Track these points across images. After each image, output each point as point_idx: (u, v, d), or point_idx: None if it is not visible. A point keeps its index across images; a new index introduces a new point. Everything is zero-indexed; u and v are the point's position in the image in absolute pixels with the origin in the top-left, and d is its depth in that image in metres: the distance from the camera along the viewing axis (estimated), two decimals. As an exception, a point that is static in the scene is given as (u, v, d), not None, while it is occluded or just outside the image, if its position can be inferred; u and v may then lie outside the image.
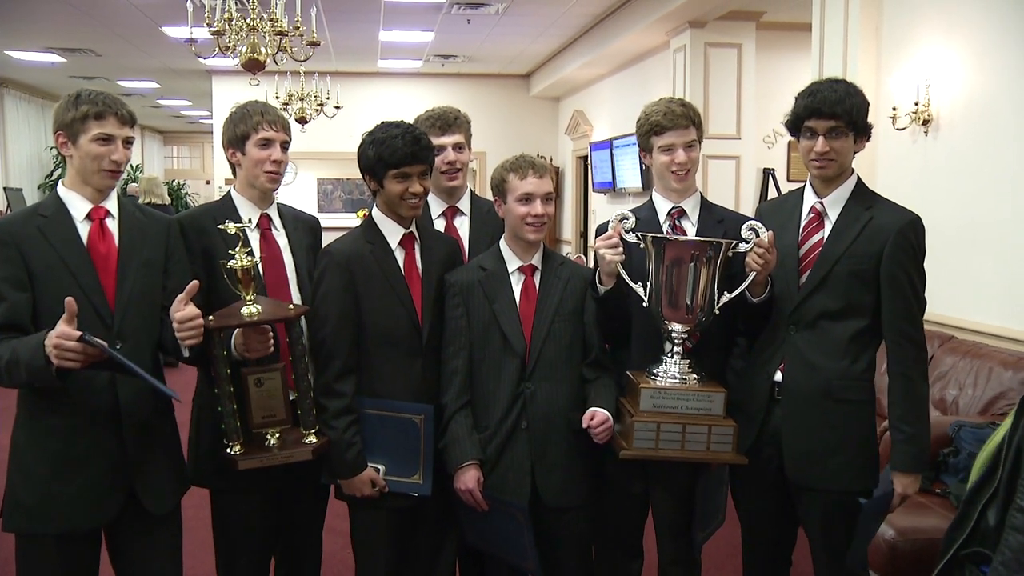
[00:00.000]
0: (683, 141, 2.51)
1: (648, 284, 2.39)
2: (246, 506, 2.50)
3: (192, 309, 2.15)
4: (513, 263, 2.50)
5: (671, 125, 2.50)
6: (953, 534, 1.39)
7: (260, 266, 2.42)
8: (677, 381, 2.36)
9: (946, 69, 4.38)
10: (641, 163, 8.46)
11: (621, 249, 2.39)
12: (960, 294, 4.28)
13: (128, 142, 2.27)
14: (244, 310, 2.27)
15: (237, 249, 2.27)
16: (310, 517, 2.65)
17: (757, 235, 2.32)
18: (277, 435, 2.36)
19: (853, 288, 2.34)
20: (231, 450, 2.32)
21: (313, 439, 2.35)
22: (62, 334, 1.99)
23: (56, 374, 2.02)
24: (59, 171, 12.50)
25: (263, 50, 5.58)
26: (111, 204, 2.28)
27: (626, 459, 2.32)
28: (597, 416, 2.38)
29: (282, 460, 2.32)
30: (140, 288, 2.25)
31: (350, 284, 2.40)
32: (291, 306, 2.35)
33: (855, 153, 2.41)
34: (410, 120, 2.61)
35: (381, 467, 2.42)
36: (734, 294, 2.38)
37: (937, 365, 4.08)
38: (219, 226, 2.36)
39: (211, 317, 2.23)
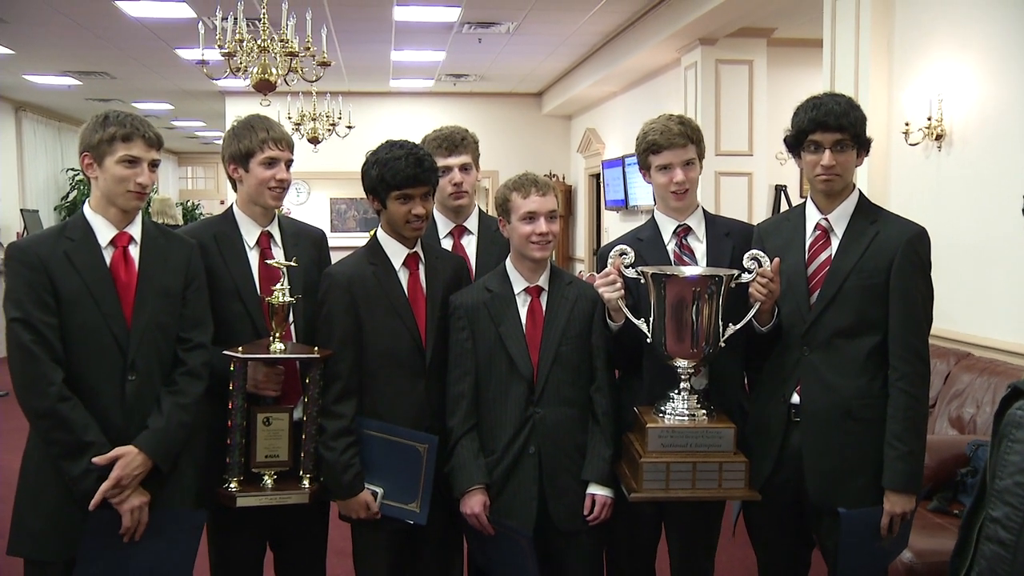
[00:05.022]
0: (681, 160, 2.47)
1: (650, 319, 2.34)
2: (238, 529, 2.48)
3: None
4: (519, 284, 2.46)
5: (668, 144, 2.46)
6: (956, 561, 1.36)
7: (291, 308, 2.42)
8: (685, 419, 2.30)
9: (959, 84, 4.34)
10: (653, 181, 8.46)
11: (619, 285, 2.35)
12: (976, 311, 4.23)
13: (154, 165, 2.27)
14: (272, 346, 2.34)
15: (278, 286, 2.35)
16: (309, 538, 2.62)
17: (760, 264, 2.29)
18: (274, 475, 2.38)
19: (865, 304, 2.30)
20: (229, 486, 2.32)
21: (308, 483, 2.36)
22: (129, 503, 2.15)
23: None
24: (75, 193, 12.57)
25: (274, 71, 5.61)
26: (135, 229, 2.28)
27: (636, 501, 2.28)
28: (597, 501, 2.39)
29: (280, 500, 2.34)
30: (156, 320, 2.25)
31: (351, 306, 2.38)
32: (316, 349, 2.36)
33: (855, 168, 2.39)
34: (418, 139, 2.60)
35: (380, 490, 2.40)
36: (739, 326, 2.33)
37: (953, 383, 4.02)
38: (267, 261, 2.44)
39: (240, 348, 2.30)
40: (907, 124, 4.59)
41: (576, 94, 10.50)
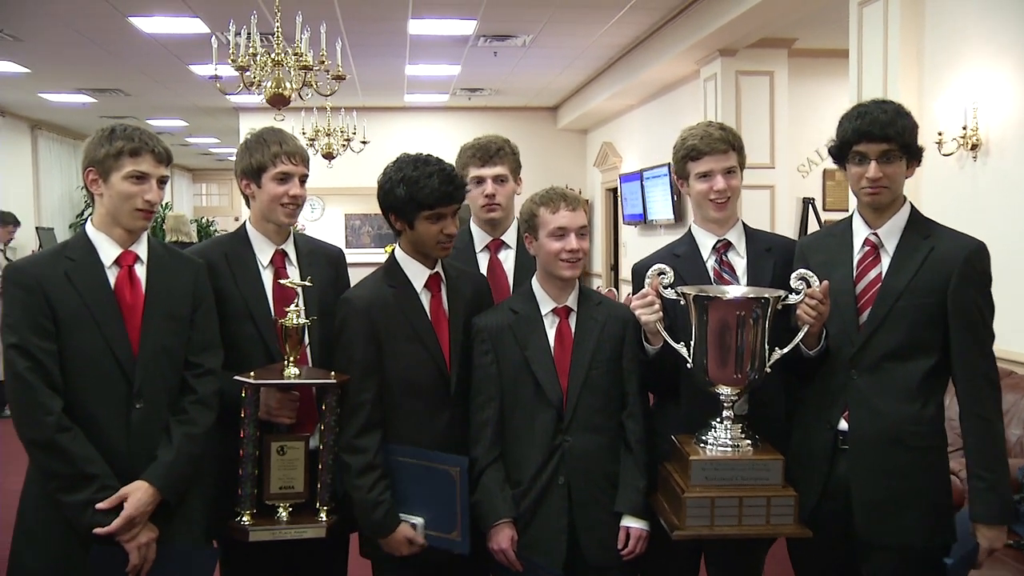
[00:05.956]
0: (722, 167, 2.34)
1: (691, 343, 2.19)
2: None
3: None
4: (546, 305, 2.33)
5: (708, 150, 2.34)
6: None
7: (308, 329, 2.30)
8: (729, 450, 2.15)
9: (995, 91, 4.19)
10: (672, 194, 8.35)
11: (658, 307, 2.21)
12: (1016, 327, 4.06)
13: (162, 181, 2.15)
14: (286, 371, 2.21)
15: (292, 307, 2.23)
16: (328, 573, 2.48)
17: (808, 284, 2.14)
18: (289, 508, 2.24)
19: (918, 325, 2.15)
20: (241, 519, 2.19)
21: (325, 516, 2.23)
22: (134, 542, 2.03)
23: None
24: (90, 211, 12.53)
25: (288, 85, 5.51)
26: (141, 248, 2.16)
27: (680, 540, 2.12)
28: (632, 535, 2.25)
29: (295, 534, 2.20)
30: (163, 344, 2.12)
31: (372, 333, 2.23)
32: (332, 373, 2.23)
33: (905, 179, 2.24)
34: (442, 154, 2.47)
35: (420, 520, 2.24)
36: (786, 350, 2.18)
37: (996, 403, 3.85)
38: (281, 281, 2.31)
39: (252, 373, 2.16)
40: (940, 134, 4.44)
41: (592, 108, 10.40)
